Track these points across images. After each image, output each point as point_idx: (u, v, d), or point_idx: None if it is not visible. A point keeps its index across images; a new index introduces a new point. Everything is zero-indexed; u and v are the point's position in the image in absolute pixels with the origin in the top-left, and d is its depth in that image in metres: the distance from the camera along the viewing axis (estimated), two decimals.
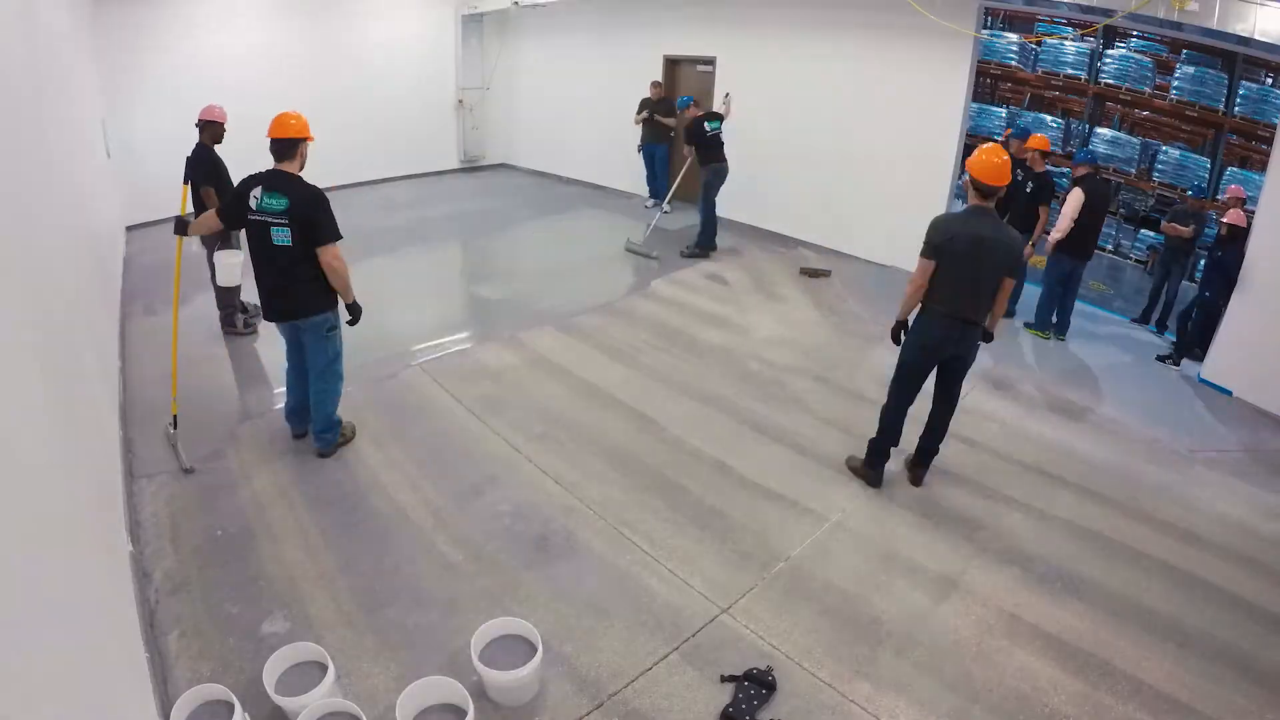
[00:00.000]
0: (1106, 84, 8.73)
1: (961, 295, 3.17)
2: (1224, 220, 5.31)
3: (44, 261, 2.71)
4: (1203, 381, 5.03)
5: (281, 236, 3.13)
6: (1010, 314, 5.96)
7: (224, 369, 4.59)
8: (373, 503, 3.25)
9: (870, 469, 3.57)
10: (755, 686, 2.35)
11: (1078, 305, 6.82)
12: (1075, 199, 5.27)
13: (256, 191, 3.13)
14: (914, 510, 3.40)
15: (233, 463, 3.52)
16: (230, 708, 2.09)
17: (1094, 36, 8.54)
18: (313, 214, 3.14)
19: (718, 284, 6.52)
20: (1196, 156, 8.54)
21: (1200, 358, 5.27)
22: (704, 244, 7.10)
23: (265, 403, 4.15)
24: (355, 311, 3.45)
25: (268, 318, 3.41)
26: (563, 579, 2.84)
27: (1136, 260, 8.41)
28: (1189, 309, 5.55)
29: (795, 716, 2.29)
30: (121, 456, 3.35)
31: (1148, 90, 8.55)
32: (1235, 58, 7.76)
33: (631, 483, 3.49)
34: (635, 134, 8.59)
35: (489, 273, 7.09)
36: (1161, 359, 5.45)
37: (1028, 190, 5.46)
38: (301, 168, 3.24)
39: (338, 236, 3.22)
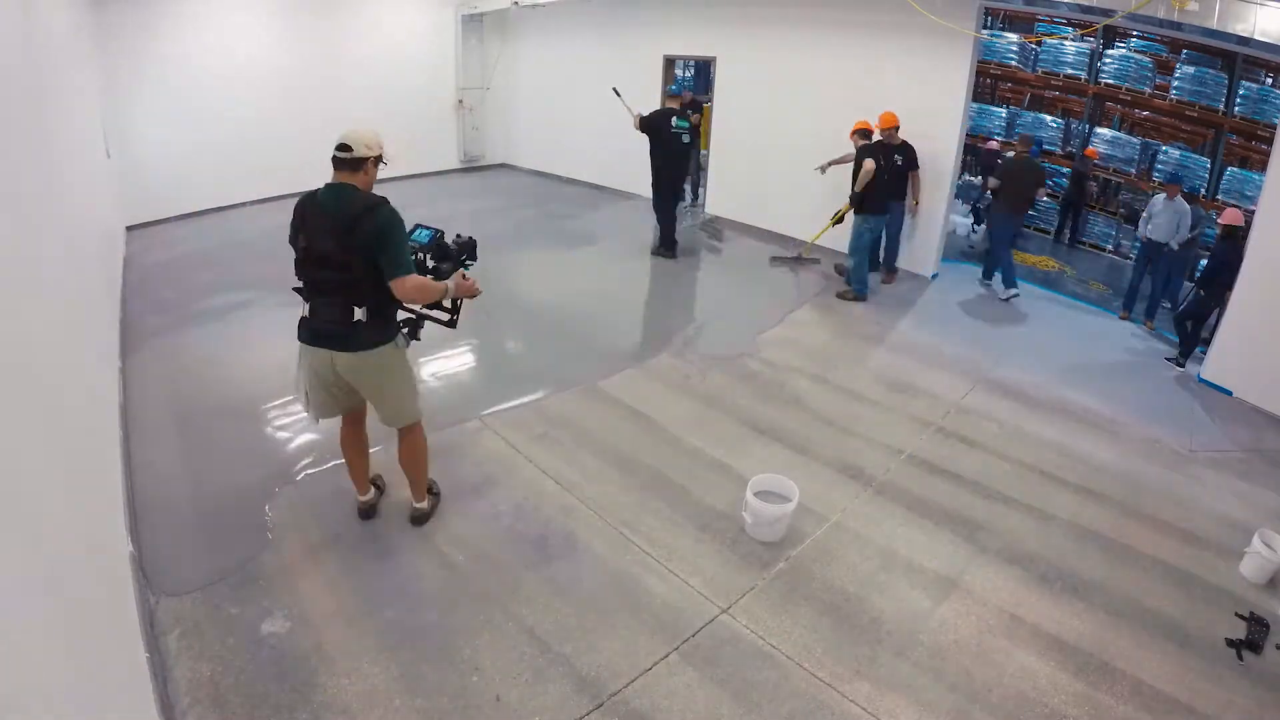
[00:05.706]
0: (1106, 84, 8.73)
1: None
2: (1220, 220, 5.32)
3: (43, 262, 2.71)
4: (1203, 382, 5.03)
5: (685, 137, 6.67)
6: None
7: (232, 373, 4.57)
8: None
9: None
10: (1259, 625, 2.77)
11: (1076, 304, 6.86)
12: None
13: (672, 119, 6.55)
14: (914, 510, 3.40)
15: None
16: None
17: (1094, 36, 8.54)
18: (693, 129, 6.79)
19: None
20: (1196, 156, 8.54)
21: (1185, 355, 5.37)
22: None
23: (265, 400, 4.13)
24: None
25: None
26: (563, 579, 2.84)
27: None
28: (1185, 310, 5.54)
29: (795, 716, 2.30)
30: (121, 456, 3.35)
31: (1148, 90, 8.55)
32: (1235, 58, 7.77)
33: (631, 483, 3.49)
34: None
35: (491, 272, 7.07)
36: (1170, 359, 5.45)
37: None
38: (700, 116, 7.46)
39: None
